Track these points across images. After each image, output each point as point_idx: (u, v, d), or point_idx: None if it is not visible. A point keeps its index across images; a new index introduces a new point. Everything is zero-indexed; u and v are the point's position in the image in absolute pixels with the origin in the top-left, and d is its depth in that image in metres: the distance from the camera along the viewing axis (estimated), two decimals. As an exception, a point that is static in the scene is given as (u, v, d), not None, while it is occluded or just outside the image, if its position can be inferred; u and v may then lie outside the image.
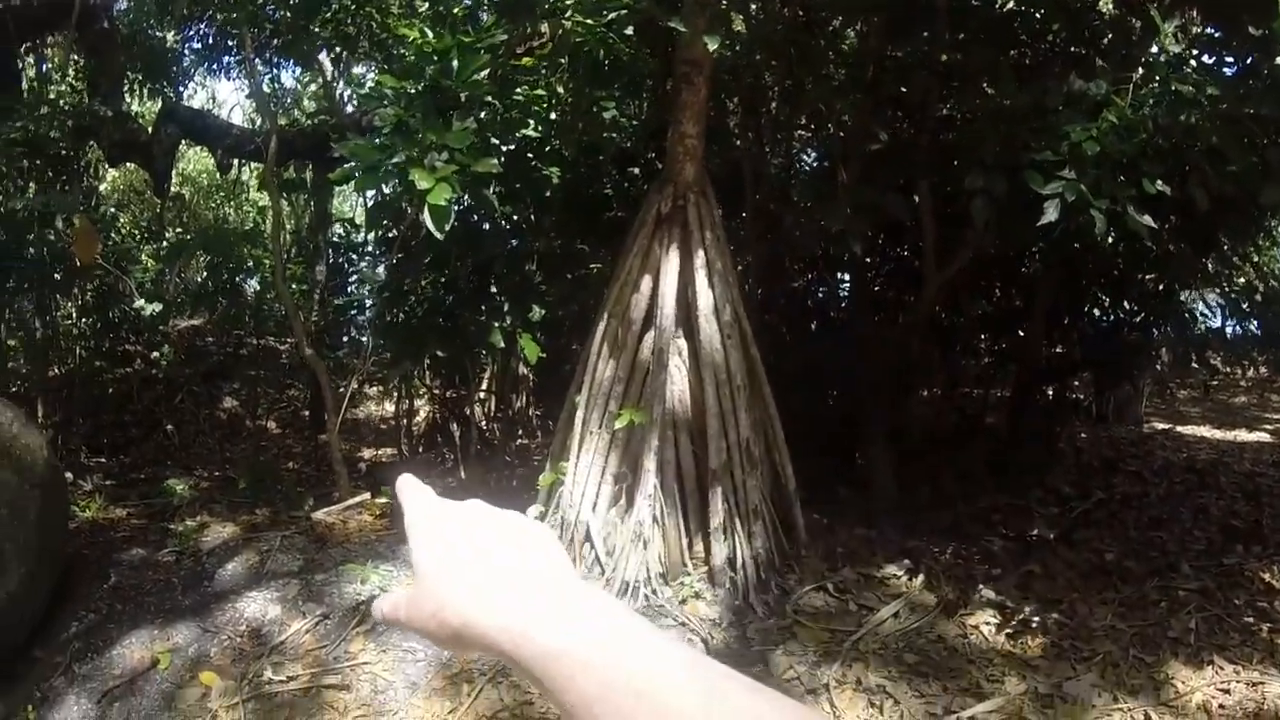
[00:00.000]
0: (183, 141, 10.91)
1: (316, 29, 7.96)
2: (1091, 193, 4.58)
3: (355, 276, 8.27)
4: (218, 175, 13.40)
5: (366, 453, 8.28)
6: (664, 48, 6.15)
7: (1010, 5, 6.41)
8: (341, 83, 10.67)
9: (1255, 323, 8.37)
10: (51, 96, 10.14)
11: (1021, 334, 7.61)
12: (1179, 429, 10.39)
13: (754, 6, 6.41)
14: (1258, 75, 4.96)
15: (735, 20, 6.58)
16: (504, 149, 5.51)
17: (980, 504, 6.44)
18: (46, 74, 10.94)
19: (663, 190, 5.45)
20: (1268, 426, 11.12)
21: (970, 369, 7.91)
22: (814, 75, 6.51)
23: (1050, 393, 7.80)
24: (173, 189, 12.13)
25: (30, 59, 10.58)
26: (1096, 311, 7.78)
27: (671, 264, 5.32)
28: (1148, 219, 4.67)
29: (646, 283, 5.37)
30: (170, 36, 10.79)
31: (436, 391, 7.39)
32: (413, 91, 4.79)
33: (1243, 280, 8.64)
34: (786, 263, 7.35)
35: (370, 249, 7.84)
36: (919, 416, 7.13)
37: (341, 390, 7.05)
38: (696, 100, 5.42)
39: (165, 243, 10.59)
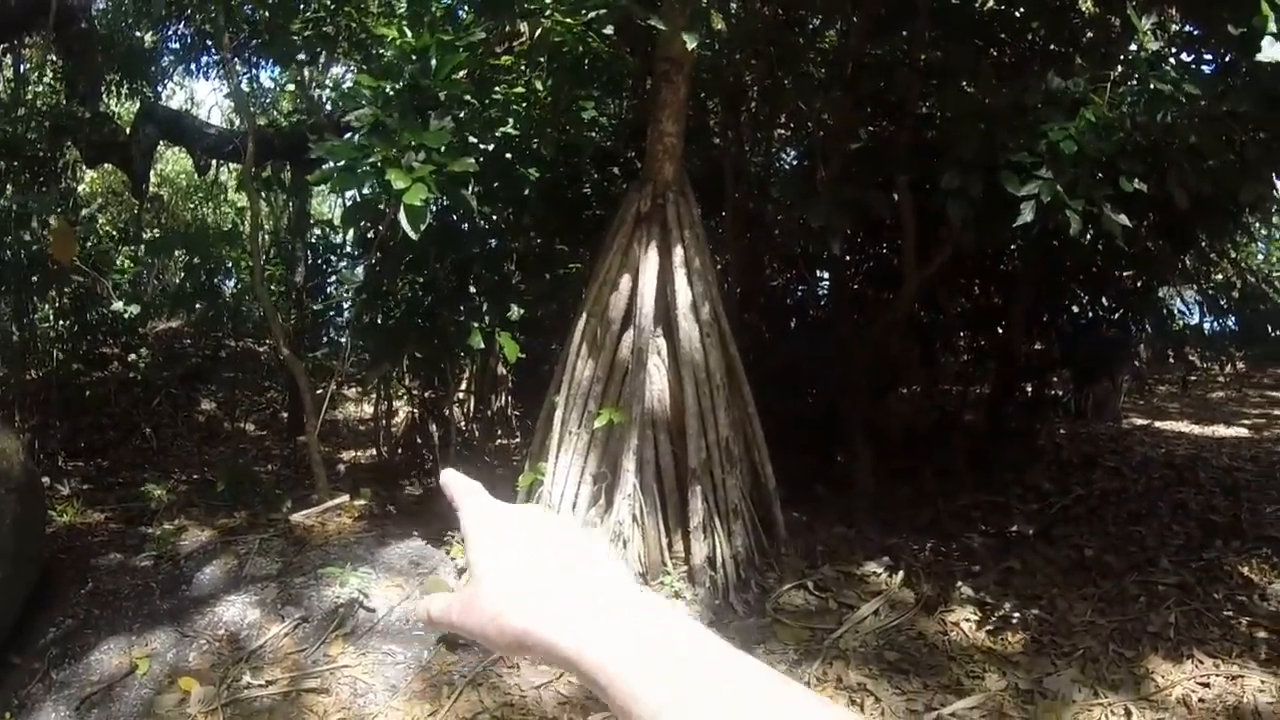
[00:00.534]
0: (161, 142, 10.84)
1: (295, 29, 7.93)
2: (1068, 192, 4.61)
3: (334, 277, 8.23)
4: (196, 176, 13.32)
5: (345, 454, 8.24)
6: (644, 46, 6.14)
7: (990, 4, 6.44)
8: (319, 83, 10.62)
9: (1233, 319, 8.44)
10: (29, 97, 10.05)
11: (1001, 331, 7.65)
12: (1157, 425, 10.45)
13: (734, 5, 6.42)
14: (1236, 73, 4.98)
15: (715, 19, 6.58)
16: (482, 148, 5.49)
17: (960, 501, 6.46)
18: (24, 75, 10.84)
19: (642, 189, 5.44)
20: (1246, 422, 11.19)
21: (950, 366, 7.95)
22: (794, 74, 6.52)
23: (1029, 390, 7.85)
24: (151, 190, 12.07)
25: (8, 59, 10.50)
26: (1075, 309, 7.82)
27: (650, 263, 5.31)
28: (1123, 218, 4.70)
29: (625, 282, 5.37)
30: (148, 37, 10.70)
31: (415, 392, 7.36)
32: (390, 91, 4.77)
33: (1220, 277, 8.71)
34: (766, 261, 7.36)
35: (349, 249, 7.80)
36: (899, 414, 7.15)
37: (320, 392, 7.01)
38: (676, 99, 5.41)
39: (143, 244, 10.51)
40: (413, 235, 4.41)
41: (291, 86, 10.78)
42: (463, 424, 7.16)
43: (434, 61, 4.74)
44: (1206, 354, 8.46)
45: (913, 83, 6.09)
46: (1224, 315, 8.33)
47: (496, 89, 5.66)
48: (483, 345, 5.81)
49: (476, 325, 5.83)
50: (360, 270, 7.04)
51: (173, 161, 14.94)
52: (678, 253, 5.32)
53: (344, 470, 7.26)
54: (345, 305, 7.75)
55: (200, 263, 9.55)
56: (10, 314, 8.25)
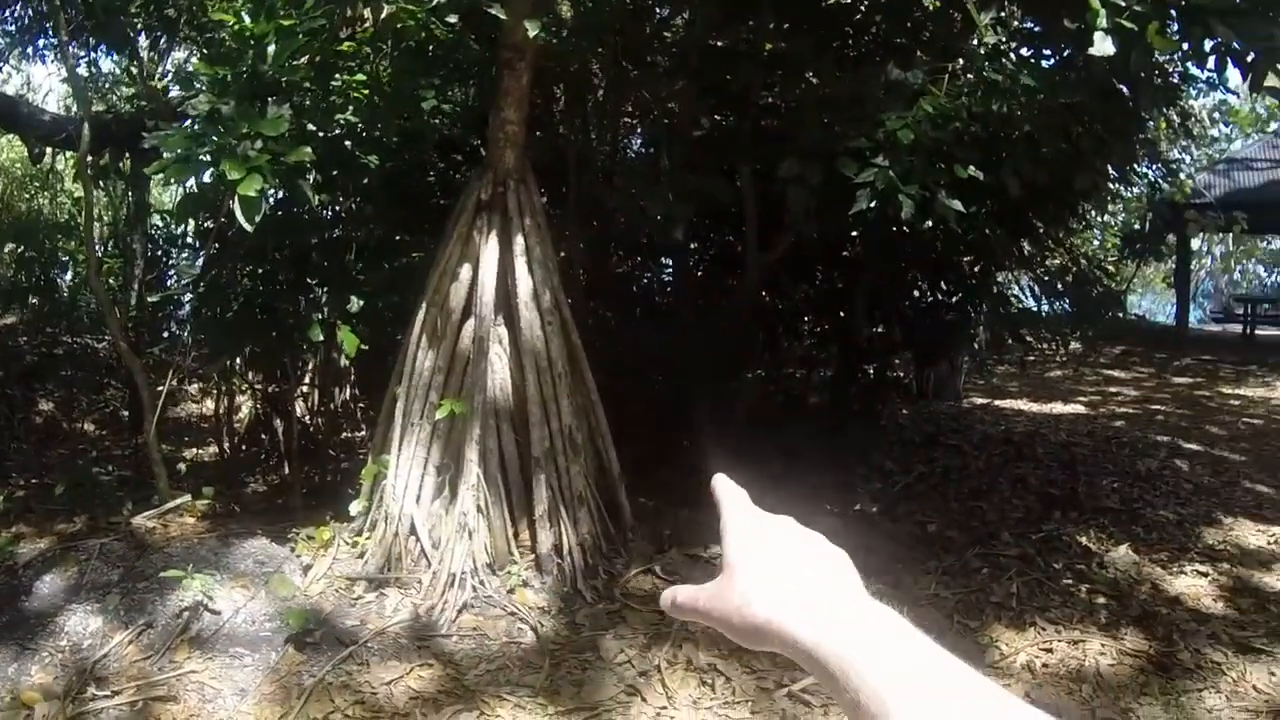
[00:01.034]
0: (-7, 129, 10.33)
1: (133, 12, 7.63)
2: (903, 180, 4.74)
3: (173, 270, 7.96)
4: (32, 165, 12.71)
5: (188, 453, 7.97)
6: (489, 33, 6.09)
7: (835, -3, 6.58)
8: (161, 68, 10.23)
9: (1067, 301, 8.81)
10: None
11: (844, 316, 7.83)
12: (997, 403, 10.88)
13: (581, -8, 6.41)
14: (1074, 66, 5.20)
15: (563, 6, 6.57)
16: (322, 136, 5.38)
17: (806, 482, 6.59)
18: None
19: (483, 177, 5.40)
20: (1082, 399, 11.75)
21: (794, 350, 8.10)
22: (640, 62, 6.55)
23: (872, 372, 8.05)
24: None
25: None
26: (916, 294, 8.06)
27: (491, 252, 5.28)
28: (957, 204, 4.86)
29: (466, 271, 5.32)
30: (-19, 20, 10.17)
31: (259, 387, 7.17)
32: (228, 78, 4.62)
33: (1057, 262, 9.08)
34: (613, 249, 7.39)
35: (189, 241, 7.55)
36: (744, 398, 7.26)
37: (160, 389, 6.78)
38: (518, 87, 5.38)
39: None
40: (247, 227, 4.30)
41: (133, 71, 10.38)
42: (307, 418, 7.00)
43: (271, 47, 4.61)
44: (1043, 335, 8.79)
45: (756, 73, 6.18)
46: (1059, 298, 8.67)
47: (337, 76, 5.55)
48: (322, 338, 5.70)
49: (316, 317, 5.71)
50: (199, 262, 6.83)
51: (6, 149, 14.22)
52: (518, 241, 5.30)
53: (185, 469, 7.02)
54: (185, 298, 7.50)
55: (35, 256, 9.13)
56: None
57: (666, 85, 6.43)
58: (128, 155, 9.56)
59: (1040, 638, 4.76)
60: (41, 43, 10.17)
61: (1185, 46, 4.45)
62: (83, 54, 9.61)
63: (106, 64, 11.49)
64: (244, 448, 7.48)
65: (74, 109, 11.39)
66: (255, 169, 4.20)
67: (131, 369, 6.51)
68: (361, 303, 5.66)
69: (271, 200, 5.66)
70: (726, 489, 0.84)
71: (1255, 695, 4.25)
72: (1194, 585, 5.38)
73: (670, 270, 7.64)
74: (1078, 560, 5.69)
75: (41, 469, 7.78)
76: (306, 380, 7.03)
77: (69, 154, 11.11)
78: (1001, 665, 4.50)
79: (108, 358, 9.93)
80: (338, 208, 6.49)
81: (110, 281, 8.54)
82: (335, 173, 5.86)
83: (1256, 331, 19.70)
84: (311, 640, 4.53)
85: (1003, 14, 6.09)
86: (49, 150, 11.01)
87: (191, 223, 7.00)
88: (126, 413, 8.70)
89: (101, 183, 9.18)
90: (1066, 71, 5.29)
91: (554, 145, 6.80)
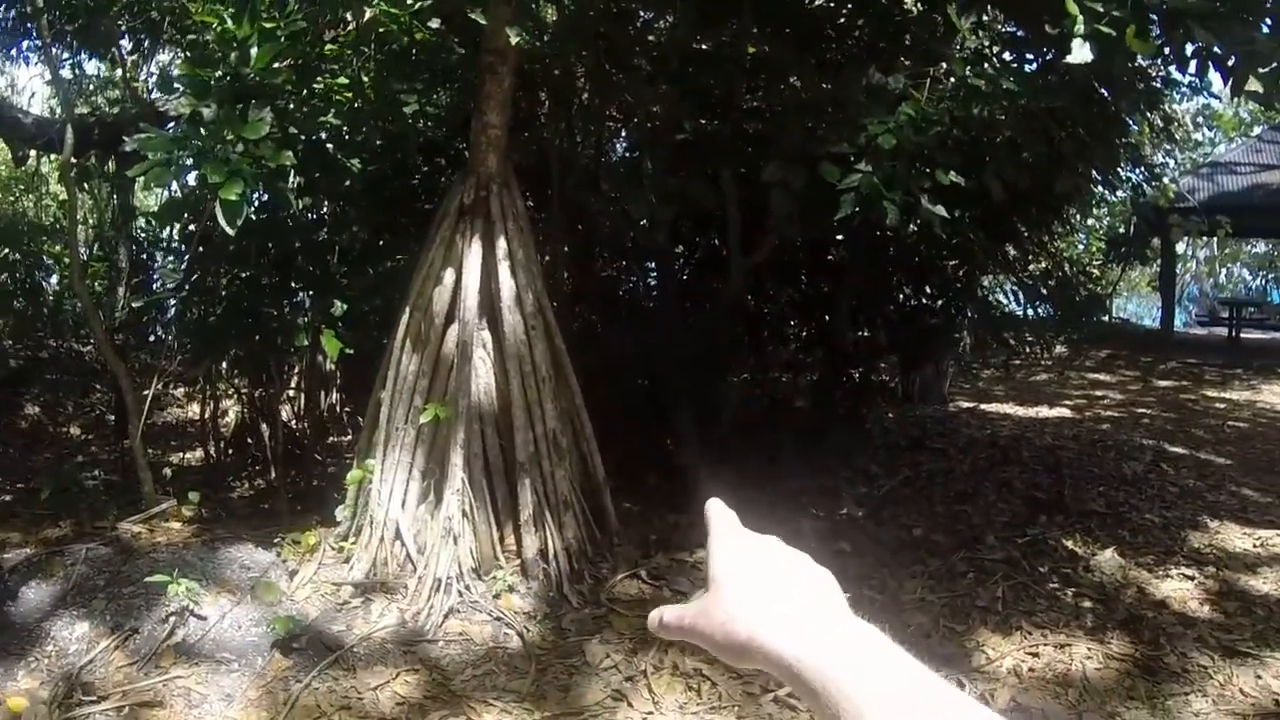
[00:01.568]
0: (-25, 131, 10.27)
1: (116, 14, 7.60)
2: (886, 185, 4.74)
3: (158, 273, 7.94)
4: (15, 167, 12.67)
5: (174, 457, 7.95)
6: (472, 37, 6.09)
7: (818, 1, 6.59)
8: (145, 71, 10.22)
9: (1051, 305, 8.84)
10: None
11: (828, 320, 7.84)
12: (983, 407, 10.89)
13: (564, -4, 6.41)
14: (1055, 70, 5.22)
15: (546, 10, 6.57)
16: (304, 139, 5.38)
17: (791, 486, 6.60)
18: None
19: (465, 181, 5.40)
20: (1068, 403, 11.76)
21: (779, 355, 8.10)
22: (623, 66, 6.55)
23: (857, 376, 8.06)
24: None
25: None
26: (900, 298, 8.07)
27: (474, 256, 5.27)
28: (940, 209, 4.86)
29: (449, 275, 5.31)
30: (-36, 20, 10.11)
31: (244, 391, 7.16)
32: (209, 80, 4.61)
33: (1041, 265, 9.12)
34: (597, 253, 7.39)
35: (173, 244, 7.54)
36: (729, 402, 7.26)
37: (145, 393, 6.75)
38: (500, 91, 5.38)
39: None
40: (229, 230, 4.30)
41: (116, 73, 10.35)
42: (292, 422, 6.98)
43: (254, 50, 4.60)
44: (1027, 339, 8.82)
45: (738, 77, 6.19)
46: (1043, 302, 8.70)
47: (319, 79, 5.54)
48: (307, 342, 5.69)
49: (301, 322, 5.70)
50: (184, 266, 6.82)
51: (-9, 152, 14.16)
52: (501, 245, 5.29)
53: (171, 474, 7.01)
54: (170, 302, 7.48)
55: (19, 259, 9.10)
56: None
57: (649, 89, 6.43)
58: (112, 158, 9.54)
59: (1026, 642, 4.75)
60: (25, 44, 10.08)
61: (1166, 50, 4.47)
62: (66, 56, 9.58)
63: (90, 66, 11.45)
64: (230, 452, 7.46)
65: (58, 111, 11.35)
66: (237, 173, 4.20)
67: (116, 373, 6.49)
68: (345, 307, 5.64)
69: (254, 204, 5.64)
70: (718, 510, 0.85)
71: (1241, 699, 4.25)
72: (1180, 589, 5.38)
73: (655, 274, 7.64)
74: (1064, 564, 5.69)
75: (27, 473, 7.76)
76: (292, 385, 7.03)
77: (53, 156, 11.07)
78: (987, 669, 4.50)
79: (93, 362, 9.89)
80: (321, 211, 6.48)
81: (95, 285, 8.52)
82: (318, 176, 5.85)
83: (1242, 335, 19.78)
84: (298, 646, 4.51)
85: (984, 18, 6.11)
86: (33, 153, 10.97)
87: (175, 226, 6.98)
88: (112, 417, 8.68)
89: (85, 185, 9.15)
90: (1048, 75, 5.30)
91: (537, 149, 6.80)
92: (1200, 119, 22.01)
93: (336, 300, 5.66)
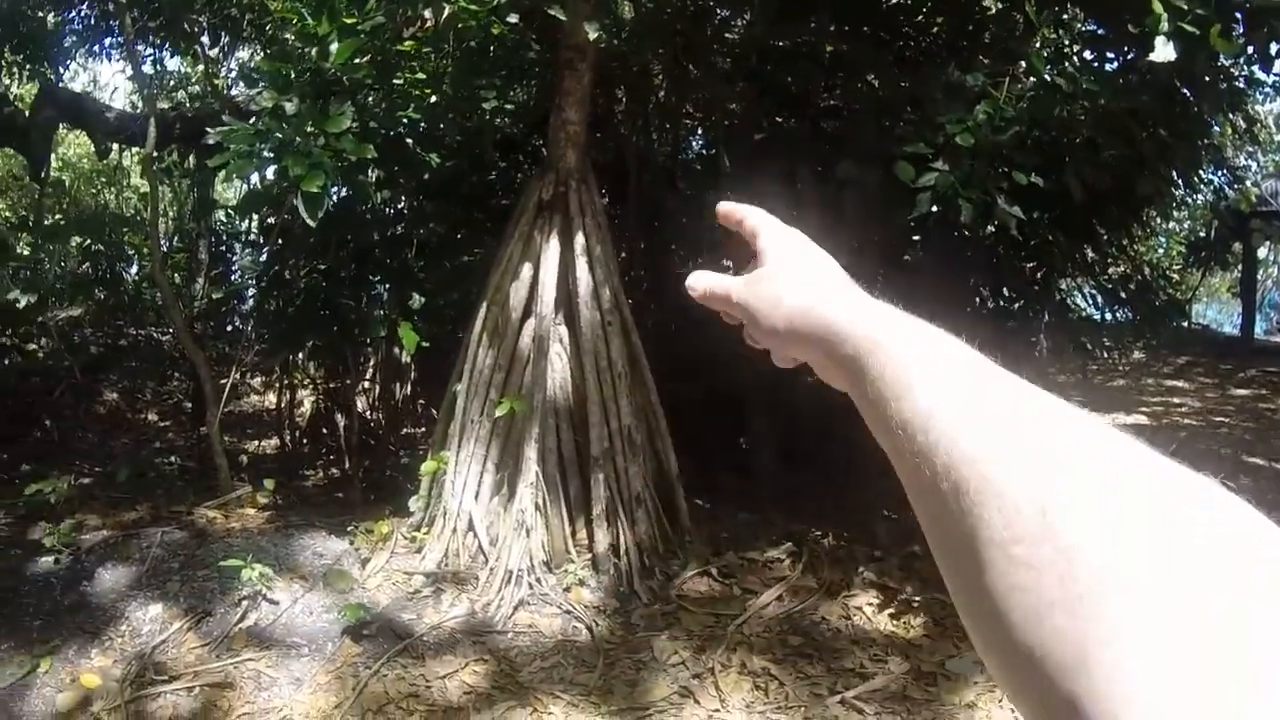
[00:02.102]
0: (61, 125, 10.53)
1: (197, 11, 7.75)
2: (963, 184, 4.67)
3: (237, 264, 8.08)
4: (98, 160, 12.97)
5: (250, 445, 8.08)
6: (550, 34, 6.11)
7: (896, -2, 6.52)
8: (225, 66, 10.41)
9: (1130, 309, 8.64)
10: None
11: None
12: (1059, 412, 10.66)
13: (642, -7, 6.41)
14: (1136, 69, 5.11)
15: (624, 6, 6.57)
16: (384, 134, 5.43)
17: (863, 487, 6.52)
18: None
19: (544, 177, 5.43)
20: (1144, 410, 11.52)
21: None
22: (700, 63, 6.53)
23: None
24: (53, 174, 11.71)
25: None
26: (977, 300, 7.93)
27: (552, 251, 5.29)
28: (1017, 210, 4.78)
29: (527, 270, 5.34)
30: (50, 18, 10.37)
31: (320, 381, 7.25)
32: (290, 75, 4.68)
33: (1120, 269, 8.92)
34: (673, 250, 7.36)
35: (253, 236, 7.66)
36: (804, 401, 7.19)
37: (223, 382, 6.88)
38: (579, 87, 5.40)
39: (39, 230, 10.19)
40: (310, 222, 4.36)
41: (196, 69, 10.56)
42: (367, 413, 7.06)
43: (334, 46, 4.66)
44: (1105, 344, 8.63)
45: (816, 75, 6.14)
46: (1122, 306, 8.50)
47: (399, 74, 5.59)
48: (384, 334, 5.75)
49: (378, 314, 5.76)
50: (262, 258, 6.93)
51: (74, 145, 14.52)
52: (579, 241, 5.31)
53: (247, 461, 7.13)
54: (248, 293, 7.61)
55: (102, 250, 9.30)
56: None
57: (727, 86, 6.41)
58: (192, 152, 9.72)
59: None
60: (108, 41, 10.34)
61: (1249, 50, 4.36)
62: (148, 52, 9.79)
63: (172, 63, 11.70)
64: (305, 441, 7.56)
65: (140, 106, 11.60)
66: (318, 165, 4.26)
67: (195, 361, 6.61)
68: (423, 300, 5.70)
69: (334, 197, 5.72)
70: (742, 207, 0.87)
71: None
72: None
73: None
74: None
75: (105, 458, 7.92)
76: (367, 376, 7.10)
77: (135, 150, 11.32)
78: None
79: (172, 350, 10.07)
80: (399, 205, 6.54)
81: (175, 275, 8.68)
82: (397, 170, 5.91)
83: (1325, 344, 19.23)
84: (368, 633, 4.57)
85: (1065, 16, 6.00)
86: (115, 146, 11.22)
87: (254, 218, 7.09)
88: (190, 404, 8.84)
89: (166, 178, 9.34)
90: (1129, 75, 5.19)
91: (615, 145, 6.80)
92: (1284, 120, 21.38)
93: (413, 293, 5.72)
